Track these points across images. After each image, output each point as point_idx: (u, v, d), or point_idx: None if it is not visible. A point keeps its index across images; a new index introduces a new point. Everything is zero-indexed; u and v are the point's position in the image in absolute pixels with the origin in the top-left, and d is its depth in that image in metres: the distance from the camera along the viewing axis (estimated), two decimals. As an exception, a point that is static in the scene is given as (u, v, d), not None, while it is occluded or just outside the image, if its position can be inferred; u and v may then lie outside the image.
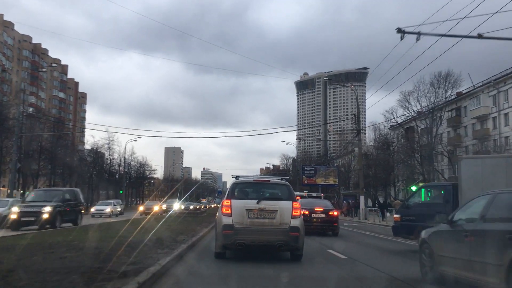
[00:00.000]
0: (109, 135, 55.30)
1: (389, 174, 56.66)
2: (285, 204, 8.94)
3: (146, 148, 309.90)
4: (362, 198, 31.15)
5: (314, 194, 36.45)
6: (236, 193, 9.27)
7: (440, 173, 45.09)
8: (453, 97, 48.17)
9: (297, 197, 29.31)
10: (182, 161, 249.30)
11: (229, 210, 8.82)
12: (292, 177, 78.82)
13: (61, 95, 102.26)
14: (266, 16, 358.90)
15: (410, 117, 50.35)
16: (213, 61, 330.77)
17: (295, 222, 8.79)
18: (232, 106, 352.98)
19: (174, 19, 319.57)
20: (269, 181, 10.16)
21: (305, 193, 38.66)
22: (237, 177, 9.84)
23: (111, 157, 58.15)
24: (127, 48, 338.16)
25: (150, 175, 76.03)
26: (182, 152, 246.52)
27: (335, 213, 19.07)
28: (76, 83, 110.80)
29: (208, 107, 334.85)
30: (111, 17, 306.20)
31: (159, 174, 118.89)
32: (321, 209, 18.78)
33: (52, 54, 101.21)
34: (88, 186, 53.68)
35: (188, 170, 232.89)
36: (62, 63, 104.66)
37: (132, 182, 65.70)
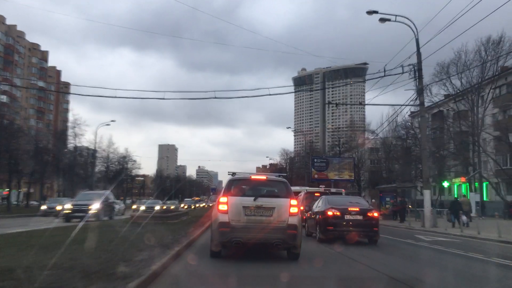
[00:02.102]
0: (74, 117, 44.69)
1: (412, 168, 47.11)
2: (283, 202, 8.57)
3: (140, 146, 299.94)
4: (427, 194, 19.96)
5: (333, 190, 26.97)
6: (232, 190, 8.83)
7: (496, 161, 34.92)
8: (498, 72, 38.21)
9: (316, 193, 22.02)
10: (177, 159, 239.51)
11: (226, 207, 8.45)
12: (289, 173, 70.22)
13: (41, 83, 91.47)
14: (258, 13, 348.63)
15: (447, 95, 40.59)
16: (206, 59, 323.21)
17: (293, 220, 8.46)
18: (226, 105, 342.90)
19: (165, 16, 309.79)
20: (266, 178, 9.62)
21: (322, 189, 29.45)
22: (233, 174, 9.62)
23: (78, 144, 47.07)
24: (119, 45, 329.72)
25: (133, 169, 65.06)
26: (176, 149, 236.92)
27: (375, 215, 14.56)
28: (58, 72, 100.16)
29: (201, 106, 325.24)
30: (102, 14, 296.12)
31: (151, 171, 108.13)
32: (357, 209, 14.46)
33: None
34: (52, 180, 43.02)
35: (183, 168, 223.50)
36: (54, 61, 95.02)
37: (111, 178, 55.02)
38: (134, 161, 61.56)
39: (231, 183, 9.06)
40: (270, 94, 17.27)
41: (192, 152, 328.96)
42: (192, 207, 57.09)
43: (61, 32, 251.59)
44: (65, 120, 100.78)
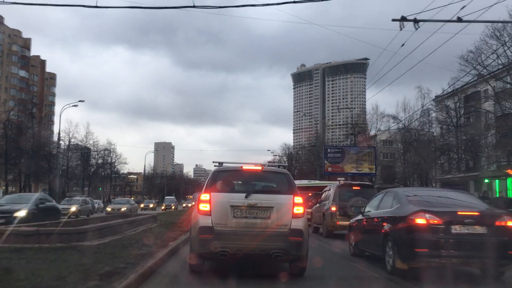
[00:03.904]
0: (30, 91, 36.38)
1: (440, 160, 39.58)
2: (284, 199, 6.73)
3: (136, 145, 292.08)
4: None
5: (358, 183, 19.13)
6: (217, 185, 6.96)
7: None
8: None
9: (355, 187, 15.52)
10: (173, 158, 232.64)
11: (208, 207, 6.51)
12: (291, 167, 62.72)
13: (22, 73, 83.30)
14: (252, 10, 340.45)
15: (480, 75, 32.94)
16: (201, 57, 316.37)
17: (297, 223, 6.59)
18: (222, 103, 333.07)
19: (158, 12, 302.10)
20: (262, 168, 7.42)
21: (341, 182, 22.00)
22: (219, 163, 7.55)
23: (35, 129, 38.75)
24: (113, 43, 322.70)
25: (117, 165, 56.74)
26: (173, 147, 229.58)
27: (510, 224, 7.08)
28: (43, 61, 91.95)
29: (197, 104, 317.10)
30: (95, 12, 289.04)
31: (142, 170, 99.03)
32: (475, 214, 7.25)
33: (36, 49, 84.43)
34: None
35: (180, 166, 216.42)
36: (48, 60, 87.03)
37: (91, 174, 46.89)
38: (108, 150, 51.84)
39: (216, 175, 7.04)
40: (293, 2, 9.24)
41: (189, 151, 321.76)
42: (172, 207, 46.88)
43: (54, 30, 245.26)
44: (51, 113, 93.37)
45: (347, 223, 13.68)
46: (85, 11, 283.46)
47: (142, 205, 48.39)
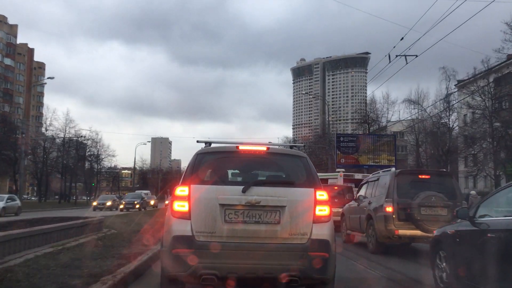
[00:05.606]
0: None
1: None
2: (301, 195, 4.36)
3: (133, 140, 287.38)
4: None
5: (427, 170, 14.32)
6: (201, 173, 4.53)
7: None
8: None
9: (422, 176, 10.66)
10: (170, 153, 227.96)
11: (186, 206, 4.25)
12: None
13: (8, 61, 77.81)
14: (248, 7, 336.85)
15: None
16: (197, 53, 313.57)
17: (321, 231, 4.27)
18: (219, 99, 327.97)
19: (154, 7, 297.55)
20: (268, 150, 4.77)
21: (341, 174, 18.03)
22: (207, 143, 5.03)
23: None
24: (109, 39, 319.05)
25: (103, 157, 51.48)
26: (170, 143, 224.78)
27: None
28: (31, 50, 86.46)
29: (194, 100, 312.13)
30: (91, 7, 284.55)
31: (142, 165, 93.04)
32: None
33: (32, 46, 79.29)
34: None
35: (178, 162, 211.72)
36: (44, 56, 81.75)
37: (71, 166, 41.72)
38: (84, 136, 44.85)
39: (199, 159, 4.58)
40: None
41: (187, 147, 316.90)
42: (137, 206, 34.31)
43: (50, 25, 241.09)
44: (39, 104, 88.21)
45: (411, 232, 8.53)
46: (80, 6, 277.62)
47: (95, 203, 36.25)
